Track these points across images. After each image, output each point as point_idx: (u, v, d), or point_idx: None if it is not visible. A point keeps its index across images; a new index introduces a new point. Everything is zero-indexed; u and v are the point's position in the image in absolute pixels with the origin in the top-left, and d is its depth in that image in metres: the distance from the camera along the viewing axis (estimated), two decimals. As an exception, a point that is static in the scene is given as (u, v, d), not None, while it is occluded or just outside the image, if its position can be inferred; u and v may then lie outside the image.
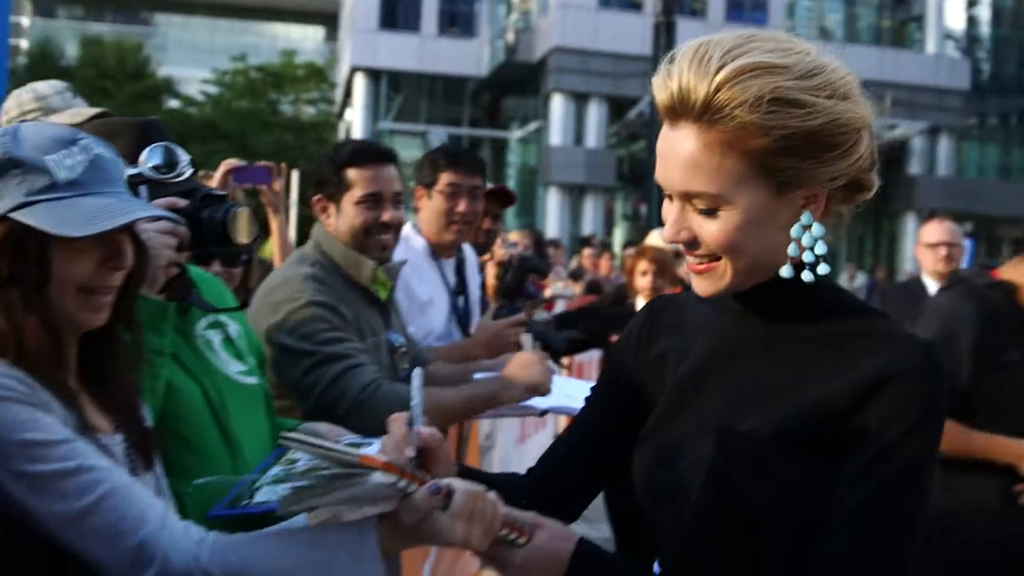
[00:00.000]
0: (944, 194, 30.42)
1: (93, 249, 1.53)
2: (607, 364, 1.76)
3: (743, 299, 1.46)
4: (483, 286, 4.69)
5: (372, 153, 3.04)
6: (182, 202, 1.97)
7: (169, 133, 2.10)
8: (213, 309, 2.14)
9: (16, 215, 1.48)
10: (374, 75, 33.13)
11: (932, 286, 5.19)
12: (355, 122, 33.81)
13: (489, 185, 4.45)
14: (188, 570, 1.46)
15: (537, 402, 2.94)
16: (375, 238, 2.99)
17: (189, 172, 2.04)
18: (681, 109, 1.33)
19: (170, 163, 2.02)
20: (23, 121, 3.16)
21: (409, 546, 1.48)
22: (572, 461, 1.68)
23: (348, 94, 36.08)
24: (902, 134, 30.05)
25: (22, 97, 3.24)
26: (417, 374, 1.51)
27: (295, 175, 16.59)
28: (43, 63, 33.40)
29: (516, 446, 6.67)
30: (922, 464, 1.32)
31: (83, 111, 2.99)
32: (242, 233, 1.99)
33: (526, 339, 3.07)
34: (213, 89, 36.33)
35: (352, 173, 2.98)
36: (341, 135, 38.18)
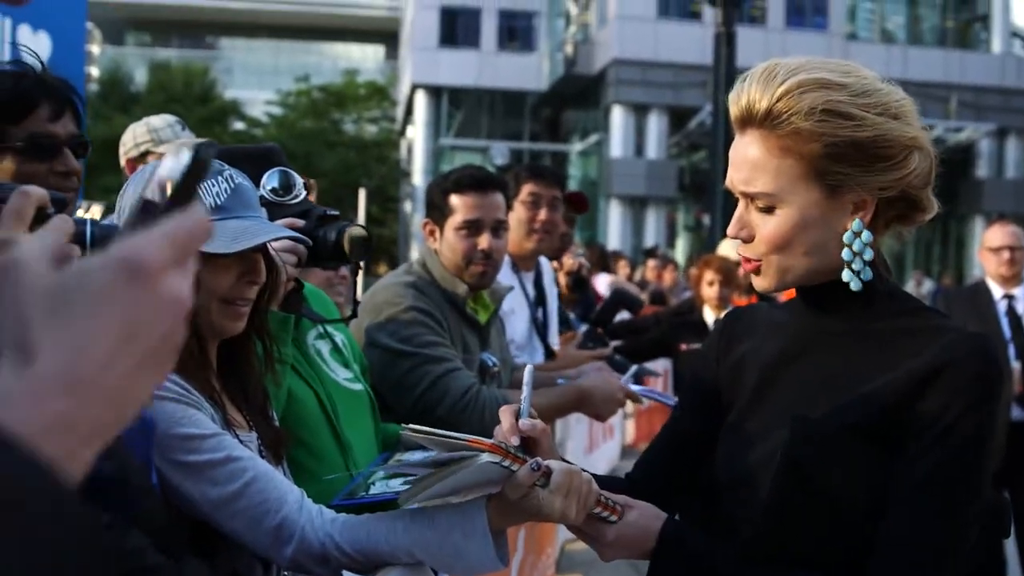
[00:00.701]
0: (1013, 197, 29.85)
1: (234, 265, 1.75)
2: (690, 377, 1.91)
3: (809, 300, 1.62)
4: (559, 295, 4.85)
5: (475, 180, 3.13)
6: (300, 222, 2.16)
7: (285, 159, 2.31)
8: (324, 320, 2.35)
9: None
10: (435, 92, 33.51)
11: (997, 290, 5.23)
12: (417, 139, 34.21)
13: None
14: (323, 546, 1.66)
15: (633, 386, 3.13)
16: (472, 266, 3.11)
17: (303, 195, 2.25)
18: (748, 118, 1.52)
19: (286, 186, 2.23)
20: (141, 151, 3.44)
21: (515, 522, 1.66)
22: (662, 467, 1.83)
23: (409, 111, 36.52)
24: (968, 137, 29.57)
25: (137, 131, 3.50)
26: (529, 370, 1.67)
27: (361, 193, 16.84)
28: (113, 90, 34.26)
29: (586, 455, 6.79)
30: (978, 445, 1.43)
31: (190, 142, 3.23)
32: (355, 251, 2.18)
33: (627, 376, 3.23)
34: (277, 110, 37.01)
35: (455, 199, 3.11)
36: (403, 153, 38.60)
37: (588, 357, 3.73)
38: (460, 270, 3.12)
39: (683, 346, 6.11)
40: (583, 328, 4.50)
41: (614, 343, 4.88)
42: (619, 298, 6.33)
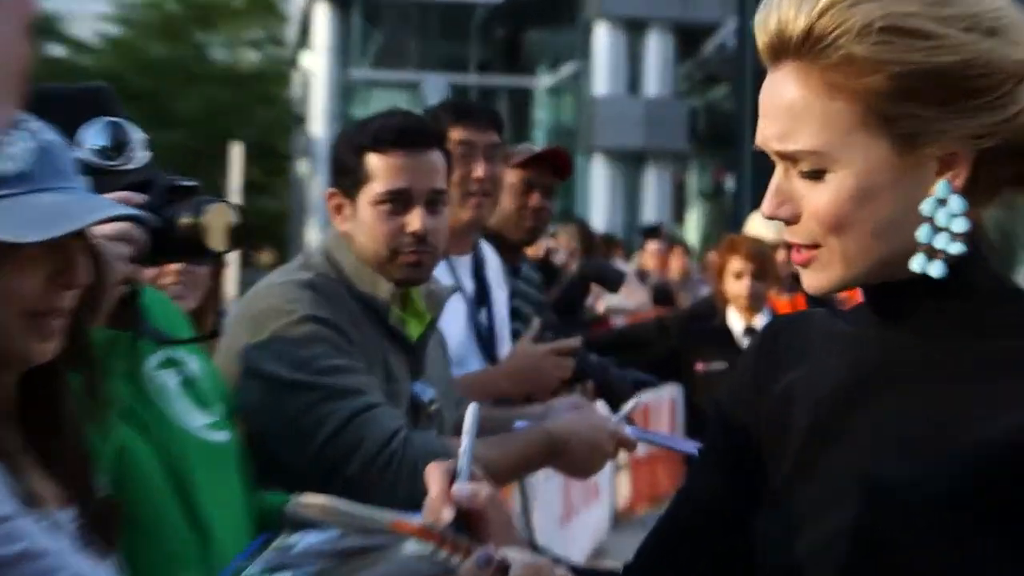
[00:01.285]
0: None
1: (42, 262, 1.69)
2: (715, 417, 1.87)
3: (883, 305, 1.59)
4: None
5: (403, 133, 3.07)
6: (137, 197, 2.10)
7: (119, 104, 2.24)
8: (172, 341, 2.28)
9: None
10: (342, 4, 33.48)
11: None
12: (317, 70, 34.18)
13: (535, 148, 4.60)
14: None
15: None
16: (400, 256, 3.05)
17: (145, 157, 2.18)
18: (781, 46, 1.49)
19: (118, 144, 2.17)
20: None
21: None
22: (674, 552, 1.78)
23: (306, 31, 36.47)
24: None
25: None
26: (472, 411, 1.62)
27: (235, 149, 16.65)
28: None
29: (560, 527, 6.77)
30: None
31: None
32: (218, 238, 2.12)
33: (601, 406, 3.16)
34: (113, 28, 36.81)
35: (373, 160, 3.05)
36: (297, 90, 38.52)
37: (548, 352, 3.68)
38: (382, 262, 3.07)
39: (699, 365, 6.13)
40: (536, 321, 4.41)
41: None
42: (589, 272, 6.28)
